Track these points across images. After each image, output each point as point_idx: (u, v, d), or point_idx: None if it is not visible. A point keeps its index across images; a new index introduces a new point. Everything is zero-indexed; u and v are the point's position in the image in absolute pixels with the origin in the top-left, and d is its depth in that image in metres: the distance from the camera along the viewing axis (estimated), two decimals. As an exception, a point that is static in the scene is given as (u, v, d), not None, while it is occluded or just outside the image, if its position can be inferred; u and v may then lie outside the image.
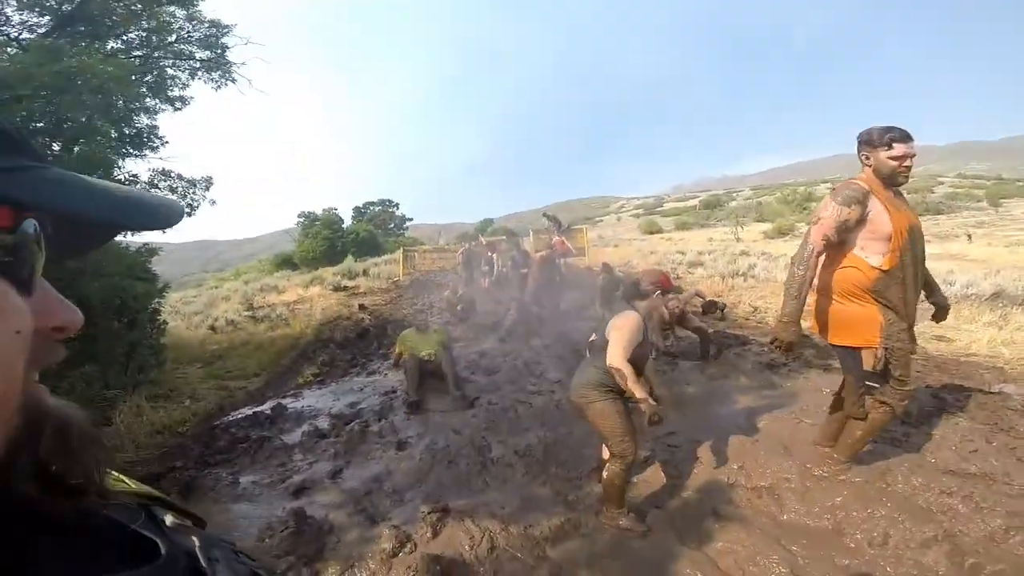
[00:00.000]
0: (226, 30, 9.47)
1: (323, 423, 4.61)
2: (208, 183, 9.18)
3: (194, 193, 8.97)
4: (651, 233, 40.60)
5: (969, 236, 23.52)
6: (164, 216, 0.48)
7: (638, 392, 2.51)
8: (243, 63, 9.89)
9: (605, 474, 2.73)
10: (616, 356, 2.58)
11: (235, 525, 2.85)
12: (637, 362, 2.65)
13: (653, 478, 3.21)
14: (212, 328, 10.55)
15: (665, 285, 4.36)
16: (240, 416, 5.11)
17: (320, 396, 5.70)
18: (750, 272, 12.09)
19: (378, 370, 6.70)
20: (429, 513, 2.79)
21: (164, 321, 7.92)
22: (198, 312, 12.36)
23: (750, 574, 2.29)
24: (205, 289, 18.17)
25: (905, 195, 2.68)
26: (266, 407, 5.27)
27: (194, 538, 0.54)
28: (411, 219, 42.05)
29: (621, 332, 2.65)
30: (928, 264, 2.83)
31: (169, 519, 0.55)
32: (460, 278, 12.72)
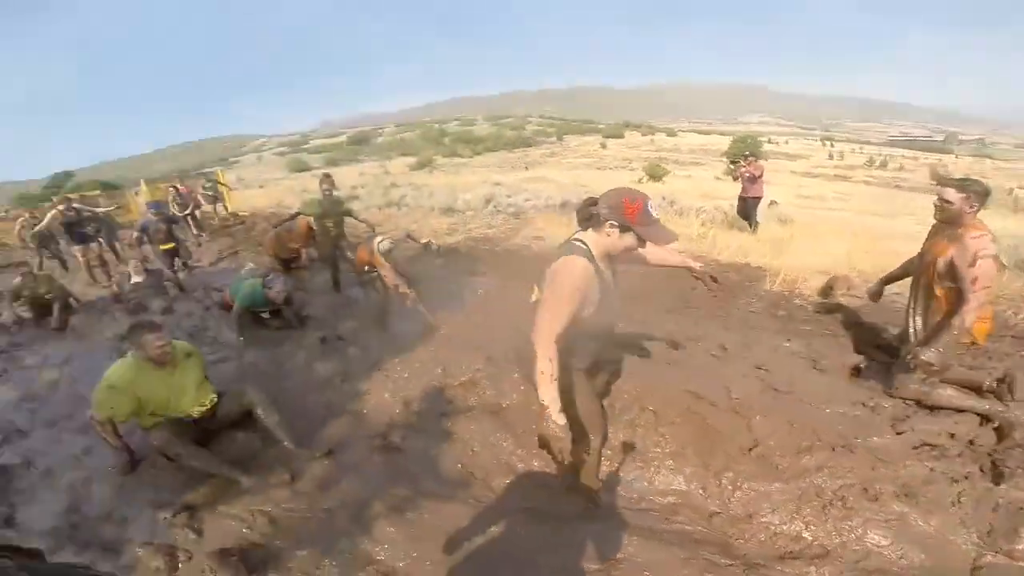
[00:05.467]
0: None
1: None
2: None
3: None
4: (300, 171, 38.31)
5: (527, 167, 31.51)
6: None
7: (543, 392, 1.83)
8: None
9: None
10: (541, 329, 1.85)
11: None
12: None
13: (381, 402, 3.50)
14: None
15: None
16: None
17: None
18: (402, 202, 13.23)
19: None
20: (174, 516, 2.50)
21: None
22: None
23: (494, 453, 2.86)
24: None
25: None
26: None
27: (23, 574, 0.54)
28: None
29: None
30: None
31: None
32: (32, 262, 9.15)
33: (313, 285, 6.47)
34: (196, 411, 2.90)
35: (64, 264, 8.96)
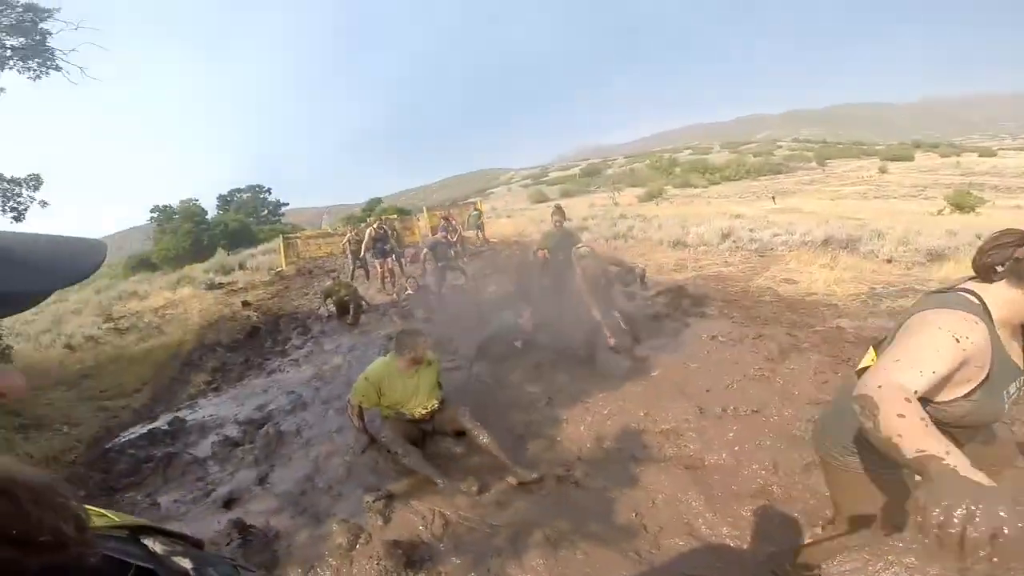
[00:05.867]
0: (46, 14, 8.03)
1: (232, 431, 4.37)
2: (37, 182, 7.90)
3: (19, 195, 7.67)
4: (539, 202, 41.89)
5: (773, 198, 27.50)
6: (87, 264, 0.45)
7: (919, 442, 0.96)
8: (72, 49, 8.50)
9: None
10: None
11: (172, 549, 2.69)
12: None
13: (575, 434, 3.52)
14: (69, 346, 9.17)
15: None
16: (134, 436, 4.65)
17: (220, 404, 5.35)
18: (629, 233, 13.19)
19: (278, 368, 6.42)
20: (374, 502, 2.83)
21: (8, 345, 6.78)
22: (45, 330, 10.60)
23: (677, 510, 2.64)
24: (45, 304, 15.44)
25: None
26: (161, 423, 4.86)
27: (187, 560, 0.57)
28: (287, 204, 39.14)
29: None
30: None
31: (159, 546, 0.57)
32: (345, 270, 11.91)
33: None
34: (419, 412, 3.29)
35: (367, 273, 11.45)
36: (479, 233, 15.30)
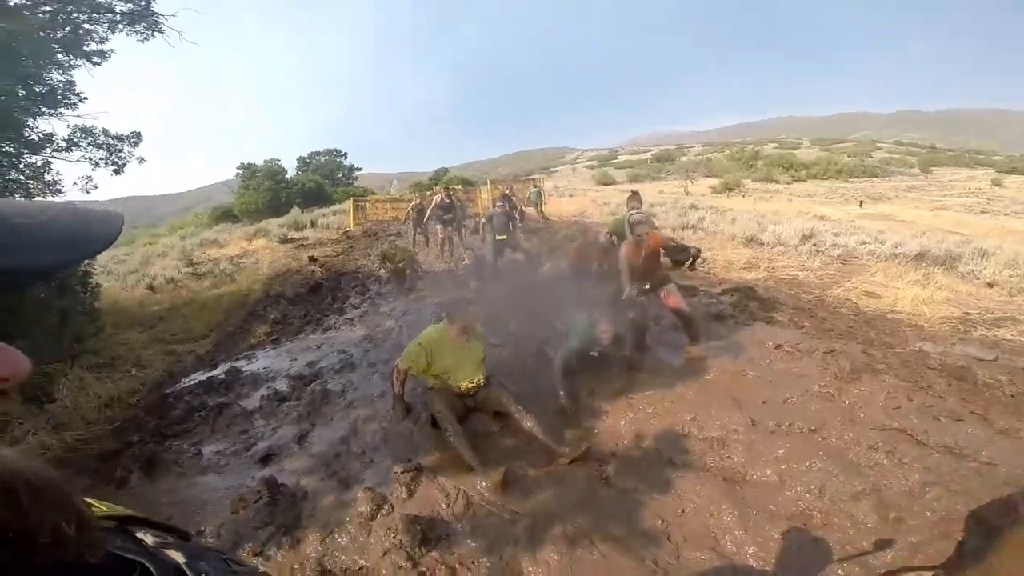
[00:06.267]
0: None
1: (282, 385, 4.53)
2: (137, 139, 8.50)
3: (121, 150, 8.27)
4: (604, 184, 40.92)
5: (861, 203, 25.00)
6: (100, 236, 0.43)
7: None
8: (172, 14, 8.99)
9: None
10: None
11: (206, 499, 2.81)
12: None
13: (613, 429, 3.38)
14: (151, 288, 9.95)
15: None
16: (192, 382, 4.93)
17: (276, 357, 5.57)
18: (699, 225, 12.46)
19: (334, 326, 6.60)
20: (402, 473, 2.83)
21: (97, 284, 7.40)
22: (133, 271, 11.57)
23: (706, 522, 2.49)
24: (138, 246, 16.93)
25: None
26: (219, 371, 5.12)
27: (179, 553, 0.55)
28: (360, 168, 40.33)
29: None
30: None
31: (150, 538, 0.55)
32: (407, 235, 12.04)
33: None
34: (465, 386, 3.26)
35: (427, 240, 11.59)
36: (538, 210, 15.15)
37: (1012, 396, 3.39)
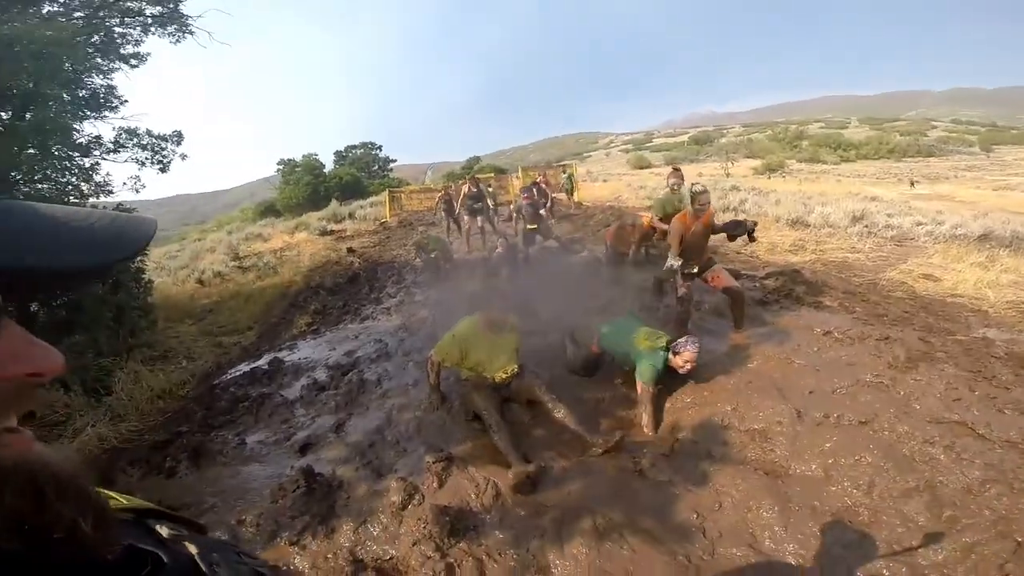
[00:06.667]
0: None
1: (321, 375, 4.62)
2: (179, 138, 8.85)
3: (164, 150, 8.64)
4: (640, 168, 40.08)
5: (912, 183, 23.37)
6: (132, 240, 0.45)
7: None
8: (199, 15, 9.29)
9: None
10: None
11: (247, 488, 2.91)
12: None
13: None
14: (200, 282, 10.41)
15: None
16: (238, 373, 5.11)
17: (316, 346, 5.70)
18: (741, 207, 12.01)
19: (371, 315, 6.71)
20: (434, 463, 2.85)
21: (149, 279, 7.78)
22: (183, 266, 12.14)
23: (744, 517, 2.40)
24: (188, 242, 17.77)
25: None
26: (263, 362, 5.27)
27: (192, 546, 0.56)
28: (395, 160, 40.93)
29: None
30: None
31: (165, 530, 0.56)
32: (441, 224, 12.04)
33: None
34: (500, 376, 3.24)
35: (460, 228, 11.62)
36: (569, 196, 15.00)
37: (1084, 387, 3.11)
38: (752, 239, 4.36)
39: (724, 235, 4.31)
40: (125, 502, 0.58)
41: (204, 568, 0.53)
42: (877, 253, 7.44)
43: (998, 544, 2.02)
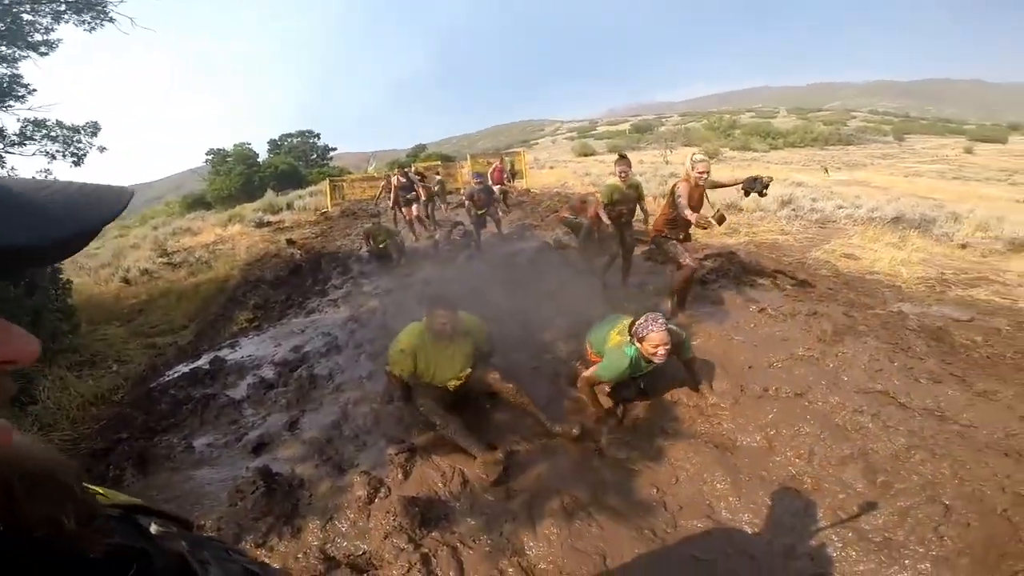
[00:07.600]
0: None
1: (268, 372, 4.45)
2: (94, 129, 8.17)
3: (79, 141, 7.93)
4: (585, 156, 40.68)
5: (825, 169, 25.02)
6: (107, 208, 0.40)
7: None
8: (122, 0, 8.56)
9: None
10: None
11: (202, 493, 2.77)
12: None
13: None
14: (125, 280, 9.68)
15: None
16: (176, 375, 4.83)
17: (259, 343, 5.47)
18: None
19: (317, 308, 6.51)
20: (397, 455, 2.84)
21: (68, 280, 7.15)
22: (105, 264, 11.21)
23: (700, 489, 2.55)
24: (108, 239, 16.39)
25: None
26: (203, 362, 5.01)
27: (182, 542, 0.55)
28: (335, 148, 39.35)
29: None
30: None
31: (155, 527, 0.55)
32: (387, 214, 11.72)
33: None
34: (452, 384, 3.10)
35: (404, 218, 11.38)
36: (517, 183, 15.20)
37: (988, 357, 3.51)
38: (762, 195, 4.36)
39: (739, 189, 4.34)
40: (111, 498, 0.56)
41: (194, 565, 0.53)
42: (803, 234, 7.99)
43: (929, 508, 2.23)
